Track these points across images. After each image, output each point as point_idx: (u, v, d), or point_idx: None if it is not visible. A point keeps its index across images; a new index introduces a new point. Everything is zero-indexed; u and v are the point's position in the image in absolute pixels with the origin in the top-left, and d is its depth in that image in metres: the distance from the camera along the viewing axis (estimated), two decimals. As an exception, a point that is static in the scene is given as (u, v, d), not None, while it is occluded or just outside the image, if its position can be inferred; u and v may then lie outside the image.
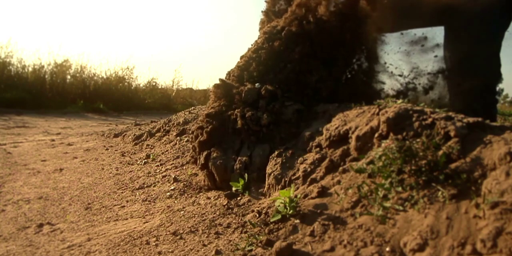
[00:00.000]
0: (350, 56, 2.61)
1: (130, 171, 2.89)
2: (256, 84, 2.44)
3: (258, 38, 2.66)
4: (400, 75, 2.88)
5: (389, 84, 2.86)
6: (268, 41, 2.54)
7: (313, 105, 2.31)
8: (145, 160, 3.18)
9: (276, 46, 2.48)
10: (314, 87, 2.41)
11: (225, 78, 2.67)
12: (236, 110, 2.29)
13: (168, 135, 3.87)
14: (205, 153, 2.26)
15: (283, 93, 2.35)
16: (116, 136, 4.90)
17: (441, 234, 0.96)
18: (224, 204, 1.86)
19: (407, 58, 2.88)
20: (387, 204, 1.15)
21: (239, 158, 2.12)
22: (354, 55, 2.65)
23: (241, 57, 2.70)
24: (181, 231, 1.62)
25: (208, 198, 2.02)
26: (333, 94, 2.42)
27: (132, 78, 11.43)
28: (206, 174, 2.19)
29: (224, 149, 2.24)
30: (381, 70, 2.83)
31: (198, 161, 2.35)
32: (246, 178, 1.96)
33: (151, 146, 3.75)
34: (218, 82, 2.55)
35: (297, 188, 1.60)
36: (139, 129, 4.85)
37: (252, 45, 2.71)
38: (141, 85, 11.74)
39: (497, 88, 2.44)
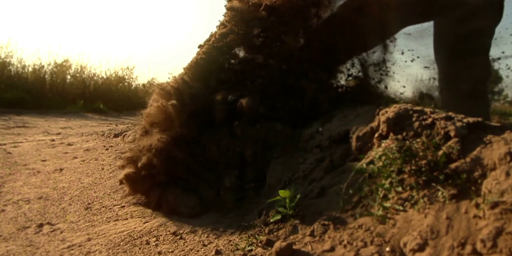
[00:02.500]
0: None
1: (130, 171, 2.88)
2: (229, 97, 1.99)
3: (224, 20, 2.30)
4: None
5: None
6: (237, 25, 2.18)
7: (308, 124, 1.90)
8: (145, 160, 3.17)
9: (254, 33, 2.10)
10: (312, 97, 2.01)
11: (179, 78, 2.15)
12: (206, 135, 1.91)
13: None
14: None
15: (267, 110, 1.93)
16: (116, 136, 4.90)
17: (441, 234, 0.96)
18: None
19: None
20: (387, 204, 1.15)
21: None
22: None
23: (200, 47, 2.27)
24: (181, 231, 1.62)
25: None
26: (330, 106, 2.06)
27: (132, 78, 11.42)
28: None
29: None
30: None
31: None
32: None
33: (151, 146, 3.75)
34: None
35: (297, 188, 1.60)
36: (139, 129, 4.85)
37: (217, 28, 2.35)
38: (141, 85, 11.74)
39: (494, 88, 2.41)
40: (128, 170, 1.99)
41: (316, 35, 2.25)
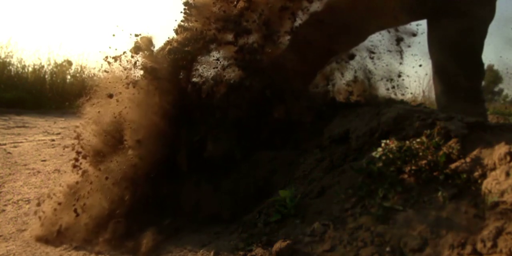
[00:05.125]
0: None
1: (130, 171, 2.88)
2: (195, 137, 1.63)
3: None
4: None
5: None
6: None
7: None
8: (145, 160, 3.17)
9: None
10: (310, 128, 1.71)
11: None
12: None
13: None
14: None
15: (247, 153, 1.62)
16: (116, 136, 4.89)
17: (441, 234, 0.96)
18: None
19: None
20: (387, 204, 1.15)
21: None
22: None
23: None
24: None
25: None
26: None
27: (132, 78, 11.43)
28: None
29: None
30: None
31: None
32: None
33: (151, 146, 3.75)
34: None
35: (297, 188, 1.60)
36: (139, 129, 4.84)
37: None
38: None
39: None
40: None
41: (301, 37, 1.94)
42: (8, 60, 9.31)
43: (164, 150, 1.59)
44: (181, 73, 1.75)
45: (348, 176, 1.41)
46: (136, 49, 1.70)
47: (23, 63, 9.50)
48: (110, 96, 1.69)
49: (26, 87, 8.93)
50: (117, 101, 1.66)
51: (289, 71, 1.78)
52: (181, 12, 1.76)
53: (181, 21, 1.78)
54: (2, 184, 2.63)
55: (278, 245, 1.18)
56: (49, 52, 10.53)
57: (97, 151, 1.69)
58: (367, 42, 2.30)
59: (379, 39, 2.32)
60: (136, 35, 1.75)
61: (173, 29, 1.78)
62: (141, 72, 1.70)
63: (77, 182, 1.71)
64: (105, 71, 1.79)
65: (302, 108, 1.78)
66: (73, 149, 1.83)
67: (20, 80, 9.28)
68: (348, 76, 2.41)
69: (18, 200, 2.27)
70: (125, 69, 1.73)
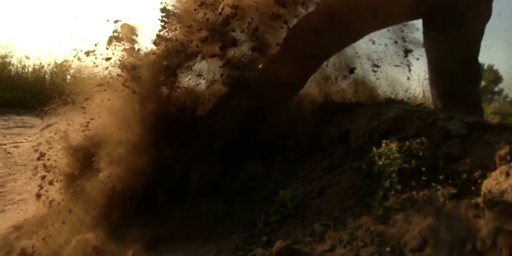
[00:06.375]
0: None
1: (130, 171, 2.88)
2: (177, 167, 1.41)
3: None
4: None
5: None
6: None
7: None
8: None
9: None
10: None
11: None
12: None
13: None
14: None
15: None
16: (116, 136, 4.89)
17: (441, 234, 0.96)
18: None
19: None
20: (387, 204, 1.15)
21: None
22: None
23: None
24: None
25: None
26: None
27: (132, 78, 11.42)
28: None
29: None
30: None
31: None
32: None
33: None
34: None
35: (297, 188, 1.60)
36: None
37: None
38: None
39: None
40: None
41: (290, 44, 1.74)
42: (8, 60, 9.30)
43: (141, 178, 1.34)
44: (162, 89, 1.52)
45: (348, 176, 1.41)
46: (112, 40, 1.44)
47: (23, 63, 9.49)
48: (72, 101, 1.44)
49: (26, 87, 8.92)
50: (84, 108, 1.41)
51: (279, 86, 1.61)
52: (159, 19, 1.54)
53: (159, 30, 1.56)
54: (3, 184, 2.63)
55: (278, 245, 1.18)
56: (49, 52, 10.51)
57: (67, 175, 1.44)
58: (369, 52, 2.14)
59: (383, 50, 2.15)
60: (116, 22, 1.49)
61: (151, 40, 1.55)
62: (118, 70, 1.42)
63: (43, 216, 1.43)
64: (76, 69, 1.57)
65: (298, 133, 1.63)
66: (36, 173, 1.54)
67: (20, 80, 9.27)
68: (347, 81, 2.23)
69: (18, 200, 2.27)
70: (97, 66, 1.46)
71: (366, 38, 2.07)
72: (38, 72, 9.51)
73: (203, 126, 1.52)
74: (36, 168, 1.56)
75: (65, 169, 1.44)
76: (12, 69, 9.25)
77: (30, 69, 9.52)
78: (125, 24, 1.48)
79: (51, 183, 1.48)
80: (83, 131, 1.41)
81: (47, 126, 1.54)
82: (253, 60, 1.59)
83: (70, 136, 1.46)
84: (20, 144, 4.43)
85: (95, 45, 1.48)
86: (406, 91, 2.26)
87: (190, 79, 1.62)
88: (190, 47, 1.49)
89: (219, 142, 1.47)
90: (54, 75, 9.77)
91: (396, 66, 2.14)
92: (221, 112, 1.54)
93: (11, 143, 4.46)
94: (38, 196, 1.52)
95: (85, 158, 1.43)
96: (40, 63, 9.69)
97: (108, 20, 1.47)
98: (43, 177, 1.51)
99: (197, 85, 1.64)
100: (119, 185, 1.31)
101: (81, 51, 1.48)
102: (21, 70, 9.38)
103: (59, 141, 1.47)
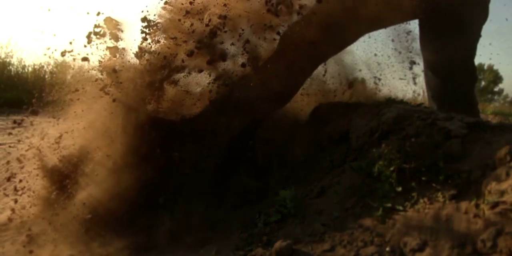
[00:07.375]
0: None
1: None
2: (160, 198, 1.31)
3: None
4: None
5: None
6: None
7: None
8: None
9: None
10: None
11: None
12: None
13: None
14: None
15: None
16: (116, 136, 4.88)
17: (441, 234, 0.96)
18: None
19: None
20: (387, 204, 1.15)
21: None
22: None
23: None
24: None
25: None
26: None
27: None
28: None
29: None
30: None
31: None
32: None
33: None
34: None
35: (297, 188, 1.60)
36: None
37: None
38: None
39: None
40: None
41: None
42: (8, 60, 9.29)
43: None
44: (145, 105, 1.36)
45: (348, 176, 1.41)
46: (91, 37, 1.23)
47: (23, 63, 9.49)
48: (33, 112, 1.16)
49: (26, 87, 8.91)
50: (57, 119, 1.22)
51: (272, 100, 1.50)
52: (140, 30, 1.39)
53: (141, 42, 1.40)
54: (3, 184, 2.63)
55: (278, 245, 1.18)
56: (45, 53, 10.46)
57: (43, 199, 1.25)
58: (371, 62, 2.07)
59: (386, 62, 2.05)
60: (98, 15, 1.30)
61: (133, 53, 1.39)
62: (98, 72, 1.23)
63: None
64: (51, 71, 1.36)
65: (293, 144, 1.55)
66: (5, 195, 1.31)
67: (20, 80, 9.26)
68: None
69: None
70: (72, 69, 1.20)
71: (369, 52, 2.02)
72: (38, 72, 9.51)
73: (191, 148, 1.40)
74: (4, 189, 1.36)
75: (41, 192, 1.24)
76: (12, 69, 9.25)
77: (30, 69, 9.51)
78: (109, 17, 1.29)
79: (24, 208, 1.31)
80: (55, 149, 1.22)
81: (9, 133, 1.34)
82: (244, 76, 1.47)
83: (44, 154, 1.23)
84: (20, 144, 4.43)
85: (70, 43, 1.29)
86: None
87: (177, 91, 1.47)
88: (174, 62, 1.37)
89: (208, 165, 1.37)
90: (54, 75, 9.77)
91: (401, 79, 2.10)
92: (210, 133, 1.43)
93: (11, 143, 4.46)
94: (10, 220, 1.33)
95: (62, 180, 1.25)
96: (40, 63, 9.68)
97: (88, 13, 1.27)
98: (16, 201, 1.32)
99: (183, 100, 1.49)
100: (98, 209, 1.17)
101: (55, 50, 1.29)
102: (21, 70, 9.38)
103: (32, 159, 1.26)
